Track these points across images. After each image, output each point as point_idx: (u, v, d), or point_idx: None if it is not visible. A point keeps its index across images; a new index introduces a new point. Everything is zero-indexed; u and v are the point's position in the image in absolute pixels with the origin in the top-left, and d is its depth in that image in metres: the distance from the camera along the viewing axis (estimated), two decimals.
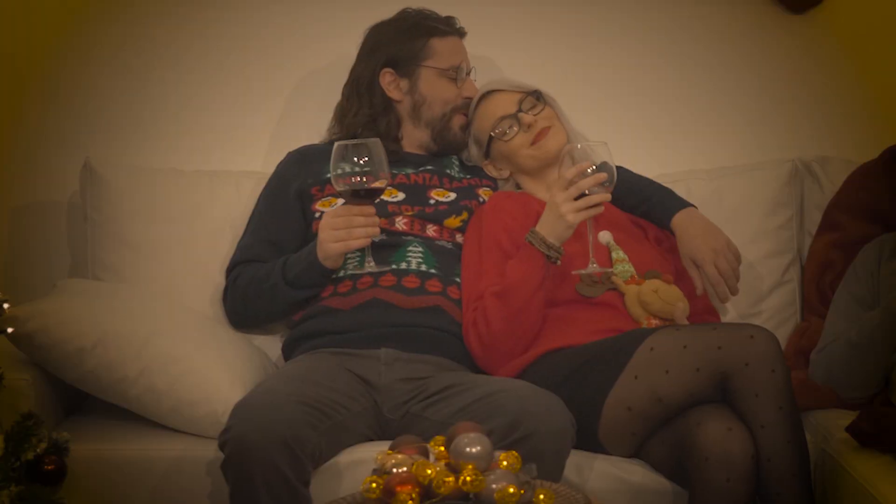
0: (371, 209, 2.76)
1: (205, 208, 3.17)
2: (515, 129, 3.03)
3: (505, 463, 2.13)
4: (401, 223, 2.99)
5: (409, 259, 2.94)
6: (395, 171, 3.05)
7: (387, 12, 3.15)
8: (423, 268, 2.93)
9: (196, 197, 3.18)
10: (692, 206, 3.04)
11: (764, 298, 3.23)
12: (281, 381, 2.69)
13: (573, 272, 2.84)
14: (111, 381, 2.74)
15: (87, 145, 3.31)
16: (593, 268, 2.78)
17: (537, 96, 3.05)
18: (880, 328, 2.71)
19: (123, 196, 3.16)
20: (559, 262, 2.81)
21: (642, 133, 3.42)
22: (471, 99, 3.12)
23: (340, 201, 2.96)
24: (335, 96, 3.17)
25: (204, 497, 2.66)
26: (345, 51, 3.25)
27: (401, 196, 3.02)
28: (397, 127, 3.10)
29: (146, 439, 2.74)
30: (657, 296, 2.87)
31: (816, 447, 2.74)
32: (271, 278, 2.93)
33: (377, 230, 2.78)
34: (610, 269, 2.89)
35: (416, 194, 3.04)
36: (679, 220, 2.99)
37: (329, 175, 2.70)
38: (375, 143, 2.68)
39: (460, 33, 3.14)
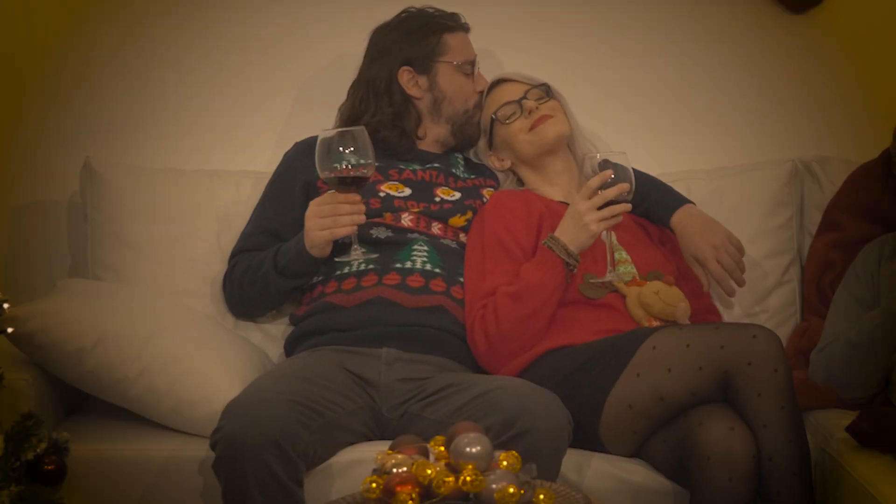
0: (357, 197, 2.77)
1: (205, 208, 3.17)
2: (517, 114, 3.05)
3: (505, 463, 2.13)
4: (407, 219, 2.99)
5: (415, 258, 2.94)
6: (402, 167, 3.06)
7: (388, 12, 3.15)
8: (428, 267, 2.93)
9: (196, 197, 3.18)
10: (690, 202, 3.05)
11: (764, 298, 3.23)
12: (272, 379, 2.68)
13: (592, 281, 2.85)
14: (111, 381, 2.74)
15: (87, 145, 3.31)
16: (612, 275, 2.81)
17: (546, 89, 3.07)
18: (880, 328, 2.72)
19: (123, 196, 3.16)
20: (576, 270, 2.82)
21: (642, 133, 3.42)
22: (482, 92, 3.14)
23: None
24: (336, 96, 3.17)
25: (196, 495, 2.66)
26: (345, 50, 3.25)
27: (407, 192, 3.03)
28: (418, 124, 3.11)
29: (145, 439, 2.74)
30: (658, 297, 2.87)
31: (816, 447, 2.74)
32: (263, 267, 2.94)
33: (363, 218, 2.79)
34: (616, 274, 2.89)
35: (423, 191, 3.04)
36: (678, 219, 3.00)
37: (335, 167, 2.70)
38: (361, 132, 2.69)
39: (465, 28, 3.16)
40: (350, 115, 3.11)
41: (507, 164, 3.11)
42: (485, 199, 3.08)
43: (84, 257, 3.18)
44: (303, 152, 3.07)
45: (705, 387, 2.60)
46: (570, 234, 2.81)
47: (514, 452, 2.15)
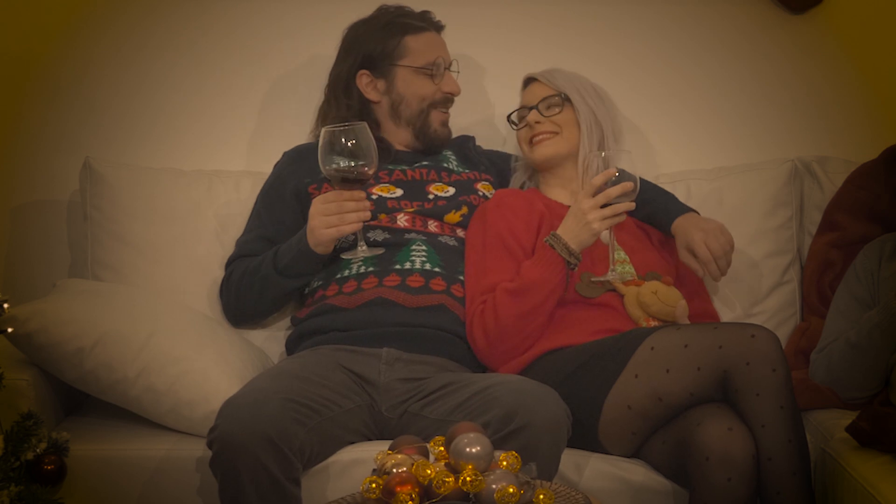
0: (361, 194, 2.76)
1: (205, 208, 3.17)
2: (524, 122, 3.05)
3: (505, 463, 2.14)
4: (402, 220, 2.98)
5: (414, 259, 2.94)
6: (391, 167, 3.05)
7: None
8: (428, 266, 2.93)
9: (196, 197, 3.18)
10: (693, 210, 3.05)
11: (764, 298, 3.22)
12: (269, 378, 2.68)
13: (592, 280, 2.85)
14: (111, 382, 2.74)
15: (87, 145, 3.31)
16: (613, 275, 2.81)
17: (564, 98, 3.04)
18: (879, 328, 2.72)
19: (123, 196, 3.16)
20: (576, 269, 2.82)
21: (642, 133, 3.42)
22: (451, 94, 3.11)
23: None
24: None
25: (194, 493, 2.67)
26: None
27: (399, 192, 3.02)
28: (377, 128, 3.08)
29: (145, 439, 2.75)
30: (656, 297, 2.87)
31: (816, 447, 2.74)
32: (262, 269, 2.94)
33: (368, 214, 2.78)
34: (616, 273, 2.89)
35: (415, 190, 3.04)
36: (678, 224, 3.00)
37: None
38: (363, 128, 2.67)
39: (437, 27, 3.12)
40: (322, 115, 3.12)
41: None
42: (480, 194, 3.08)
43: (84, 257, 3.18)
44: (291, 160, 3.09)
45: (704, 387, 2.60)
46: (571, 231, 2.80)
47: (513, 452, 2.16)
